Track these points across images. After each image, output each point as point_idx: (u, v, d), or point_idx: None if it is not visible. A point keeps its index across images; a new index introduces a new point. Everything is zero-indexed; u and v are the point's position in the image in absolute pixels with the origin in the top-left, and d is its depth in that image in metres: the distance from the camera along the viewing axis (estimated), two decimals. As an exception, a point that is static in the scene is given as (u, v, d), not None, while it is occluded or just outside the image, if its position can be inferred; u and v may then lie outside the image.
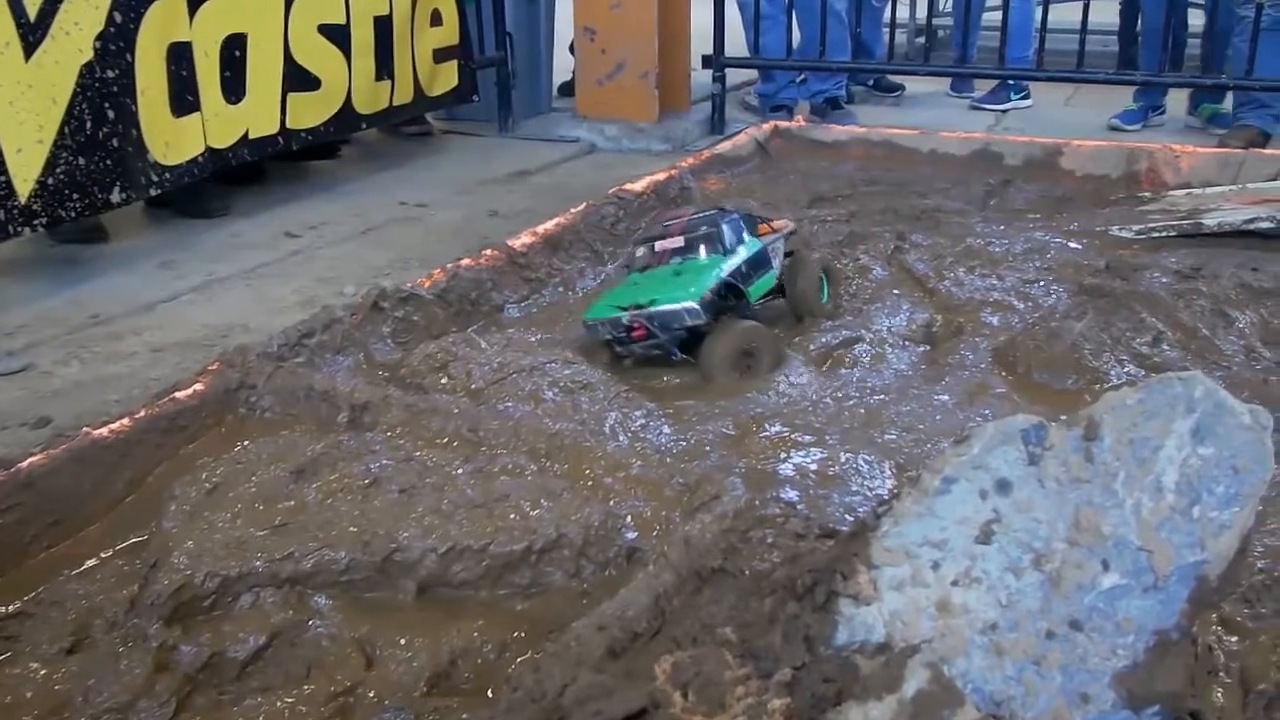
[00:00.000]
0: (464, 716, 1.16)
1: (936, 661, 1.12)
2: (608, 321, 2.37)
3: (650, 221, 3.20)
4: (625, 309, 2.36)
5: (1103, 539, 1.18)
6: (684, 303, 2.32)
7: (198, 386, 1.88)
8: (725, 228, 2.51)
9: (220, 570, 1.41)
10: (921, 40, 6.49)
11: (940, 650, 1.16)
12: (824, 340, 2.52)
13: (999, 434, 1.25)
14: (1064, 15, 5.01)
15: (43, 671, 1.32)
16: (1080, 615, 1.16)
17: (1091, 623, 1.16)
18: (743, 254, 2.51)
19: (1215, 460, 1.18)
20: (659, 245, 2.55)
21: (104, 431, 1.72)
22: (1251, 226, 3.10)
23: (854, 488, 1.81)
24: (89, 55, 2.86)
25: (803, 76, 5.24)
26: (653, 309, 2.32)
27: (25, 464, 1.64)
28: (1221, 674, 1.24)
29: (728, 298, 2.45)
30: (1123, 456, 1.21)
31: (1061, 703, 1.13)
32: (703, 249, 2.49)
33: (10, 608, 1.45)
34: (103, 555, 1.59)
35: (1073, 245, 3.15)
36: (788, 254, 2.72)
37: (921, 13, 6.55)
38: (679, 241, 2.53)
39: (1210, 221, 3.17)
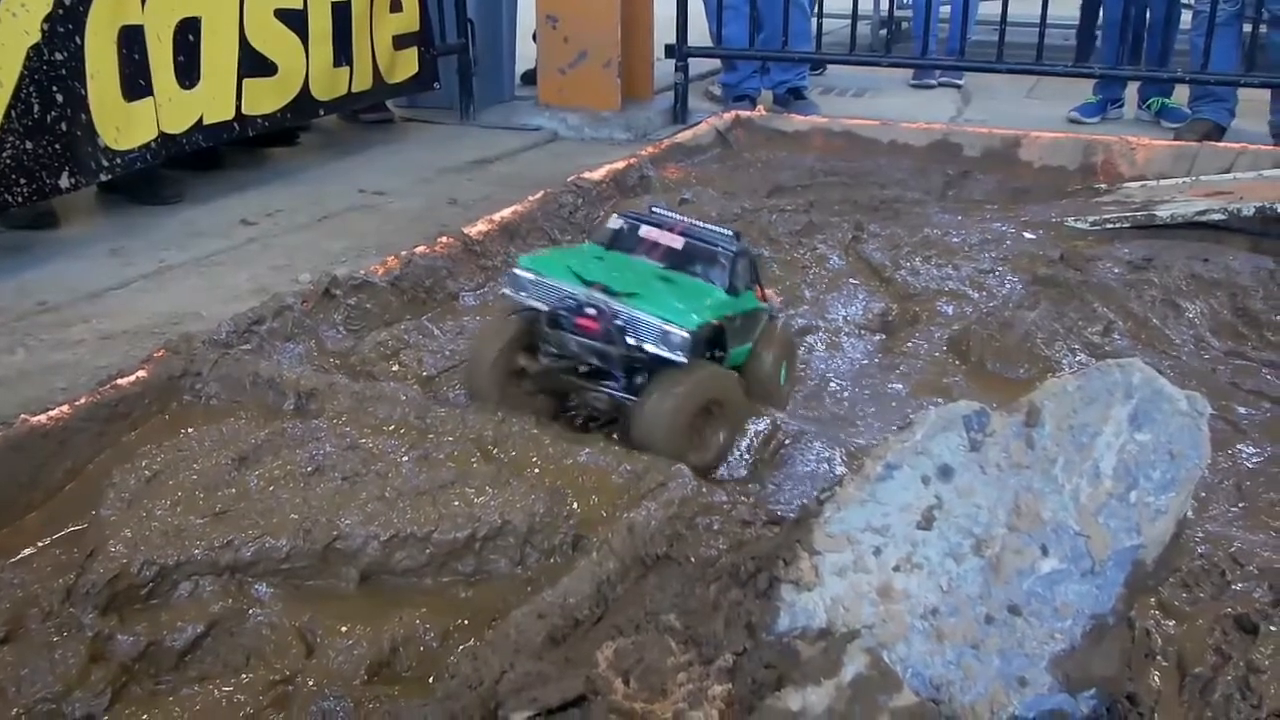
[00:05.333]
0: (403, 705, 1.15)
1: (875, 647, 1.12)
2: (555, 286, 1.81)
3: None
4: (590, 284, 1.80)
5: (1042, 524, 1.19)
6: (674, 324, 1.71)
7: (141, 374, 1.85)
8: (741, 263, 1.93)
9: (158, 559, 1.39)
10: (884, 32, 6.53)
11: (881, 635, 1.16)
12: (780, 329, 2.52)
13: (941, 420, 1.26)
14: (1024, 9, 5.04)
15: (-24, 662, 1.29)
16: (1019, 600, 1.17)
17: (1030, 607, 1.16)
18: (745, 306, 1.94)
19: (1152, 446, 1.19)
20: (646, 231, 1.98)
21: (42, 419, 1.69)
22: (1203, 218, 3.13)
23: (803, 475, 1.81)
24: (36, 37, 2.81)
25: (765, 66, 5.25)
26: (628, 307, 1.74)
27: (-40, 451, 1.60)
28: (1159, 657, 1.25)
29: (712, 351, 1.89)
30: (1062, 442, 1.22)
31: (999, 686, 1.13)
32: (705, 269, 1.91)
33: (-58, 598, 1.42)
34: (40, 544, 1.56)
35: (1028, 236, 3.17)
36: None
37: (884, 4, 6.58)
38: (676, 242, 1.95)
39: (1163, 213, 3.20)
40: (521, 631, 1.20)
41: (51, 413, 1.70)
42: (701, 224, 2.03)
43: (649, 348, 1.73)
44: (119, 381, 1.81)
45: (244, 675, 1.28)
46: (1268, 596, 1.34)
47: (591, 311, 1.76)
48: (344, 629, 1.34)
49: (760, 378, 1.99)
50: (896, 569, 1.20)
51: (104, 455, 1.73)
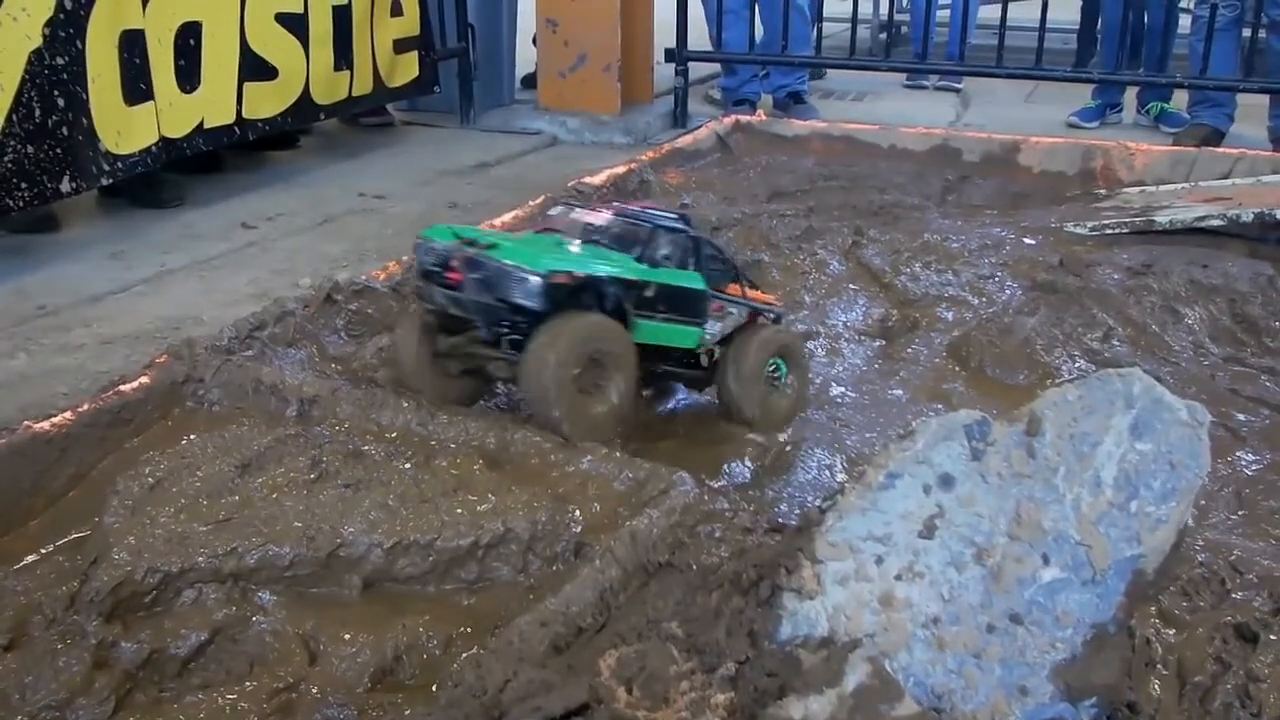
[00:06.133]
0: (406, 713, 1.15)
1: (877, 656, 1.12)
2: (435, 247, 1.81)
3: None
4: (462, 240, 1.80)
5: (1043, 533, 1.20)
6: (524, 267, 1.70)
7: (143, 380, 1.85)
8: (663, 236, 1.91)
9: (162, 566, 1.39)
10: (884, 36, 6.54)
11: (882, 644, 1.16)
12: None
13: (942, 429, 1.26)
14: (1024, 13, 5.05)
15: (-21, 669, 1.30)
16: (1020, 609, 1.18)
17: (1031, 616, 1.17)
18: (666, 278, 1.88)
19: (1153, 456, 1.20)
20: (577, 213, 1.99)
21: (45, 425, 1.69)
22: (1202, 224, 3.14)
23: (805, 482, 1.82)
24: (38, 42, 2.81)
25: (765, 71, 5.25)
26: (486, 255, 1.73)
27: (-37, 458, 1.61)
28: (1159, 666, 1.26)
29: (595, 307, 1.81)
30: (1063, 452, 1.22)
31: (1000, 695, 1.14)
32: (621, 244, 1.90)
33: (-55, 604, 1.42)
34: (42, 551, 1.57)
35: (1028, 241, 3.19)
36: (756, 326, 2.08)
37: (884, 9, 6.60)
38: (603, 219, 1.95)
39: (1162, 219, 3.21)
40: (525, 639, 1.20)
41: (54, 419, 1.70)
42: (653, 210, 2.03)
43: (506, 295, 1.71)
44: (122, 388, 1.82)
45: (248, 683, 1.29)
46: (1267, 605, 1.35)
47: (455, 263, 1.76)
48: (347, 636, 1.35)
49: (733, 375, 1.97)
50: (898, 577, 1.21)
51: (107, 461, 1.73)
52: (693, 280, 1.93)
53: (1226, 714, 1.19)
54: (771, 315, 2.15)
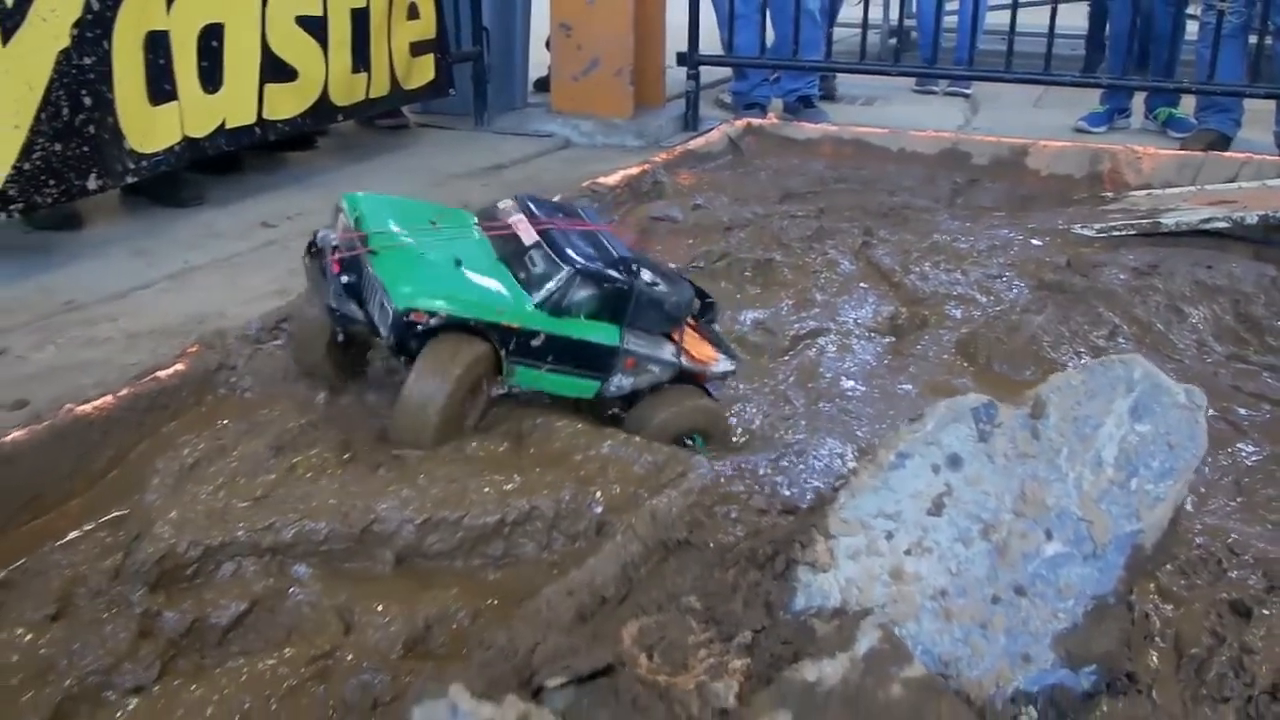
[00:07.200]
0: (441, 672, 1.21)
1: (888, 623, 1.18)
2: (336, 228, 1.72)
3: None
4: (357, 233, 1.66)
5: (1046, 510, 1.25)
6: (388, 292, 1.59)
7: (179, 367, 1.92)
8: (583, 285, 1.69)
9: (203, 540, 1.46)
10: (893, 41, 6.60)
11: (892, 614, 1.22)
12: (790, 330, 2.58)
13: (951, 412, 1.32)
14: (1033, 18, 5.10)
15: (27, 637, 1.36)
16: (1024, 581, 1.23)
17: (1035, 589, 1.23)
18: (563, 329, 1.70)
19: (1152, 437, 1.25)
20: (517, 221, 1.81)
21: (87, 408, 1.75)
22: (1208, 226, 3.19)
23: (817, 468, 1.87)
24: (66, 42, 2.87)
25: (776, 75, 5.31)
26: (369, 264, 1.63)
27: (7, 439, 1.67)
28: (1158, 639, 1.31)
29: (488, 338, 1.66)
30: (1066, 433, 1.28)
31: (1005, 663, 1.20)
32: (533, 276, 1.71)
33: (-7, 576, 1.49)
34: (85, 528, 1.63)
35: (1035, 243, 3.24)
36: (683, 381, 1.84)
37: (894, 14, 6.67)
38: (531, 237, 1.75)
39: (1169, 221, 3.26)
40: (552, 607, 1.26)
41: (95, 402, 1.77)
42: (608, 240, 1.82)
43: (369, 312, 1.64)
44: (158, 374, 1.88)
45: (285, 650, 1.35)
46: (1262, 583, 1.40)
47: (337, 256, 1.68)
48: (380, 608, 1.41)
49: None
50: (908, 552, 1.27)
51: (144, 444, 1.79)
52: (600, 334, 1.73)
53: (1221, 684, 1.25)
54: (717, 375, 1.91)
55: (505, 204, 1.88)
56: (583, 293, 1.70)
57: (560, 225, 1.78)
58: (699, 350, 1.87)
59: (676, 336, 1.82)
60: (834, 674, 1.11)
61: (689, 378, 1.85)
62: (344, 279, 1.64)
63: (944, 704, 1.07)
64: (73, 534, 1.61)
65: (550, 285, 1.68)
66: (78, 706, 1.28)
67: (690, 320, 1.90)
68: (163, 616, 1.38)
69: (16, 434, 1.69)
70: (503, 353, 1.67)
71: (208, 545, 1.45)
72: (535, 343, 1.68)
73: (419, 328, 1.60)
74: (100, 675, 1.31)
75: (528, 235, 1.75)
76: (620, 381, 1.76)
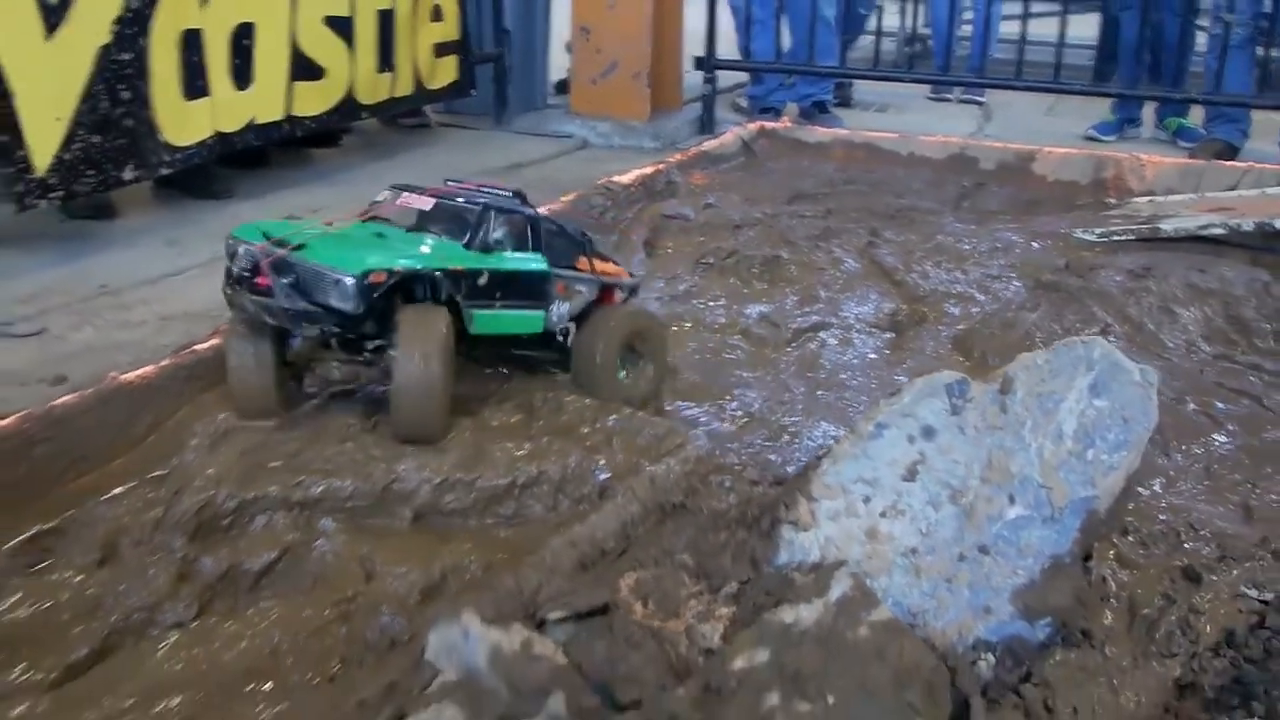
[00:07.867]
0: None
1: (859, 573, 1.29)
2: (244, 247, 1.71)
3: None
4: (270, 240, 1.69)
5: (1010, 477, 1.37)
6: (336, 269, 1.63)
7: (214, 341, 2.04)
8: (495, 218, 1.82)
9: (238, 494, 1.59)
10: (908, 49, 6.70)
11: (866, 569, 1.34)
12: (794, 324, 2.69)
13: (927, 387, 1.44)
14: (1044, 28, 5.19)
15: (77, 579, 1.49)
16: (988, 542, 1.34)
17: (997, 548, 1.34)
18: (500, 264, 1.81)
19: (1108, 411, 1.36)
20: (406, 199, 1.89)
21: (130, 376, 1.89)
22: (1205, 232, 3.27)
23: (810, 447, 1.99)
24: (106, 38, 3.00)
25: (791, 80, 5.42)
26: (298, 258, 1.65)
27: (58, 403, 1.81)
28: (1113, 600, 1.42)
29: (430, 299, 1.74)
30: (1031, 407, 1.39)
31: (968, 615, 1.31)
32: (449, 227, 1.81)
33: (44, 526, 1.62)
34: (128, 485, 1.76)
35: (1036, 245, 3.33)
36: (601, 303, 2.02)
37: (909, 22, 6.77)
38: (426, 204, 1.85)
39: (1168, 227, 3.34)
40: (555, 556, 1.39)
41: (138, 371, 1.90)
42: (483, 189, 1.95)
43: (320, 299, 1.64)
44: (196, 347, 2.01)
45: (312, 595, 1.47)
46: (1215, 553, 1.51)
47: (263, 267, 1.67)
48: (398, 559, 1.53)
49: (580, 364, 1.94)
50: (883, 514, 1.38)
51: (182, 411, 1.92)
52: (531, 262, 1.86)
53: (1169, 641, 1.36)
54: (624, 289, 2.08)
55: (384, 194, 1.95)
56: (500, 228, 1.84)
57: (446, 190, 1.92)
58: (607, 268, 2.06)
59: (585, 262, 1.99)
60: (809, 616, 1.22)
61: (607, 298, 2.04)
62: (284, 280, 1.65)
63: (905, 642, 1.18)
64: (116, 490, 1.74)
65: (472, 225, 1.81)
66: (123, 639, 1.41)
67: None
68: (200, 562, 1.51)
69: (66, 398, 1.82)
70: (459, 299, 1.75)
71: (242, 499, 1.58)
72: (482, 281, 1.78)
73: (379, 289, 1.65)
74: (144, 612, 1.44)
75: (425, 204, 1.87)
76: (560, 309, 1.91)
